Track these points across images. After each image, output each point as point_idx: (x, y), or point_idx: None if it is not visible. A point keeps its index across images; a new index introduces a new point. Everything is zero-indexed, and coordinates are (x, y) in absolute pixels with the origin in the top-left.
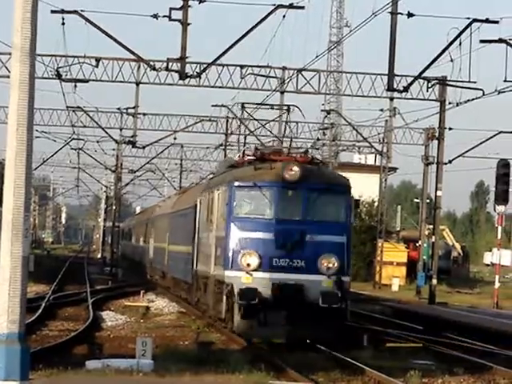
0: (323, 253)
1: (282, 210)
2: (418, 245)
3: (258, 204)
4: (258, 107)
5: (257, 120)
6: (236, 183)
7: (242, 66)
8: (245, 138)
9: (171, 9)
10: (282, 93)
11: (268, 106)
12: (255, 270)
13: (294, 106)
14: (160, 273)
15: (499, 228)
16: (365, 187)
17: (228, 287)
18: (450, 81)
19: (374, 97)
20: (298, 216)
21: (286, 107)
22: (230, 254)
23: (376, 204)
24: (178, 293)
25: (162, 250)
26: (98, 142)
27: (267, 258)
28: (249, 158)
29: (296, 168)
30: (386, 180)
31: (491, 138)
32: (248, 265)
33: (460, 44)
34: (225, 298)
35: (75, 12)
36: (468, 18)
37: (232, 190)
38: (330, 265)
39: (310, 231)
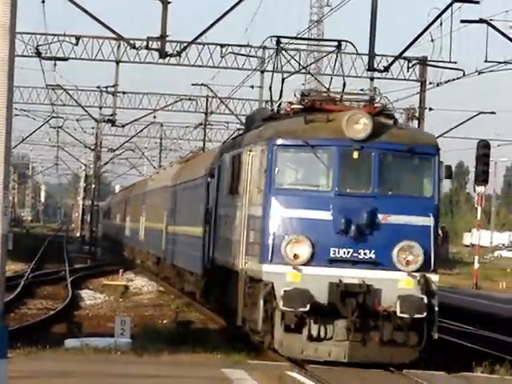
0: (402, 240)
1: (345, 180)
2: None
3: (311, 170)
4: (293, 41)
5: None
6: (279, 141)
7: (222, 45)
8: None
9: None
10: (262, 72)
11: (307, 41)
12: (306, 264)
13: (346, 41)
14: (154, 258)
15: (479, 208)
16: None
17: (266, 288)
18: (430, 61)
19: (355, 76)
20: (366, 188)
21: (336, 42)
22: (270, 241)
23: None
24: (180, 285)
25: (158, 231)
26: (77, 120)
27: (322, 247)
28: (293, 107)
29: (365, 120)
30: None
31: (471, 118)
32: (295, 256)
33: (441, 24)
34: (261, 302)
35: None
36: None
37: (273, 151)
38: (411, 257)
39: (384, 209)
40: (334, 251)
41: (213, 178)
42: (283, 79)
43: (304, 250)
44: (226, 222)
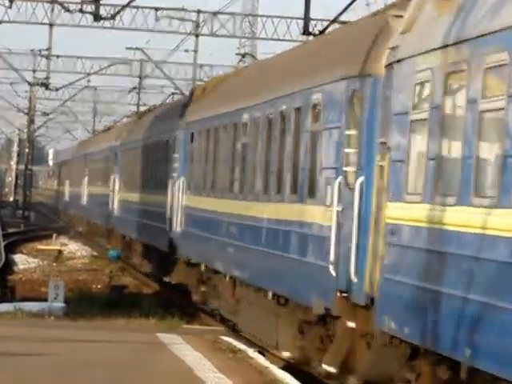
0: None
1: None
2: None
3: None
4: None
5: None
6: None
7: (156, 9)
8: None
9: None
10: (197, 36)
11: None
12: None
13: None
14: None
15: None
16: None
17: None
18: None
19: (290, 40)
20: None
21: None
22: None
23: None
24: None
25: None
26: (10, 84)
27: None
28: None
29: None
30: None
31: None
32: None
33: None
34: None
35: None
36: None
37: None
38: None
39: None
40: None
41: None
42: None
43: None
44: None
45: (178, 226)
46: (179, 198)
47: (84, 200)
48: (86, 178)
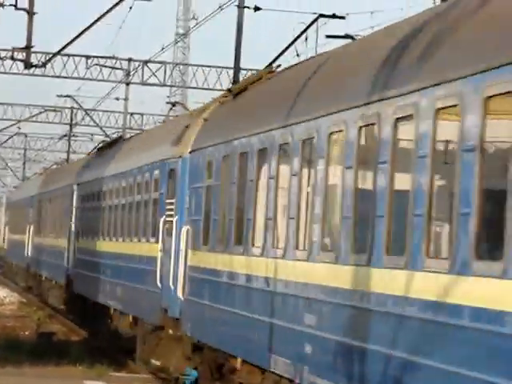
0: None
1: None
2: None
3: None
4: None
5: None
6: None
7: (87, 57)
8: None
9: None
10: (128, 84)
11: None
12: None
13: None
14: None
15: None
16: None
17: None
18: None
19: (220, 90)
20: None
21: None
22: None
23: None
24: None
25: None
26: None
27: None
28: None
29: None
30: None
31: None
32: None
33: (306, 39)
34: None
35: None
36: (315, 13)
37: None
38: None
39: None
40: None
41: None
42: None
43: None
44: None
45: None
46: None
47: (69, 261)
48: (72, 226)
